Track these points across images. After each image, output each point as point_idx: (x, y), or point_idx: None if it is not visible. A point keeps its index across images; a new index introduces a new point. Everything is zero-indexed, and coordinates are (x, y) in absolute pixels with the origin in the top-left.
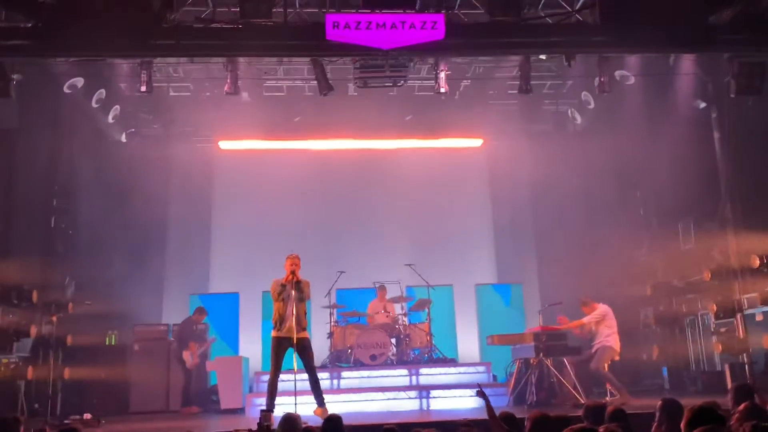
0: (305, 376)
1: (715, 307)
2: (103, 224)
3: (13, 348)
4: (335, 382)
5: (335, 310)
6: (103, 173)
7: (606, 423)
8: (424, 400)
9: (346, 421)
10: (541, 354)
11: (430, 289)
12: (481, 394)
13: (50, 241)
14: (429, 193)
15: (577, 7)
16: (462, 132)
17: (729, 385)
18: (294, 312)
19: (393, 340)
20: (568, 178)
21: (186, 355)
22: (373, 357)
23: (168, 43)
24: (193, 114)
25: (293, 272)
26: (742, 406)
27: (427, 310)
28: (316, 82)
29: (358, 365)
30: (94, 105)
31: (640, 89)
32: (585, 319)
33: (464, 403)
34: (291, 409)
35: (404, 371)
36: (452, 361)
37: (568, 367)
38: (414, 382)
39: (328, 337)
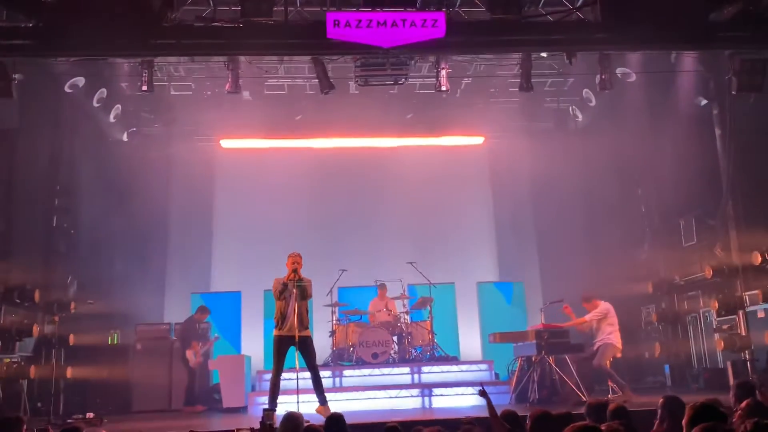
0: (307, 374)
1: (716, 305)
2: (105, 223)
3: (15, 347)
4: (337, 380)
5: (337, 309)
6: (105, 173)
7: (608, 420)
8: (426, 398)
9: (348, 420)
10: (543, 352)
11: (432, 287)
12: (482, 393)
13: (52, 240)
14: (430, 191)
15: (578, 5)
16: (463, 130)
17: (731, 383)
18: (296, 310)
19: (395, 339)
20: (569, 176)
21: (189, 354)
22: (375, 355)
23: (169, 43)
24: (194, 113)
25: (295, 271)
26: (744, 403)
27: (428, 308)
28: (317, 80)
29: (360, 363)
30: (95, 104)
31: (642, 86)
32: (587, 317)
33: (466, 401)
34: (293, 408)
35: (406, 369)
36: (454, 359)
37: (570, 364)
38: (416, 380)
39: (330, 336)
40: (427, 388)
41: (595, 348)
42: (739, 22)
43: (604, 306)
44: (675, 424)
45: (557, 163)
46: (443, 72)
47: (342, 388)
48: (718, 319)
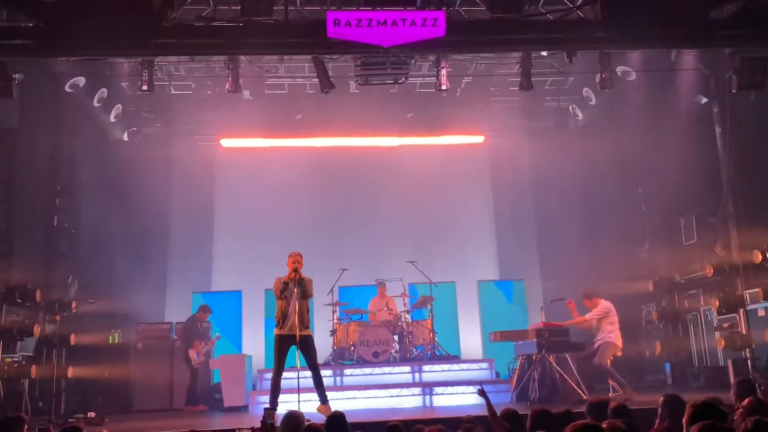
0: (308, 373)
1: (717, 303)
2: (106, 223)
3: (16, 347)
4: (338, 379)
5: (338, 308)
6: (105, 172)
7: (609, 419)
8: (427, 397)
9: (349, 419)
10: (544, 350)
11: (433, 286)
12: (481, 393)
13: (53, 240)
14: (431, 190)
15: (578, 4)
16: (463, 129)
17: (732, 381)
18: (297, 310)
19: (396, 338)
20: (569, 175)
21: (192, 354)
22: (375, 354)
23: (169, 42)
24: (194, 112)
25: (296, 270)
26: (746, 401)
27: (429, 306)
28: (317, 79)
29: (361, 362)
30: (95, 104)
31: (642, 85)
32: (587, 316)
33: (467, 399)
34: (294, 407)
35: (407, 368)
36: (455, 358)
37: (571, 363)
38: (417, 379)
39: (330, 335)
40: (427, 387)
41: (595, 347)
42: (740, 20)
43: (604, 305)
44: (675, 423)
45: (557, 161)
46: (443, 71)
47: (343, 387)
48: (718, 317)
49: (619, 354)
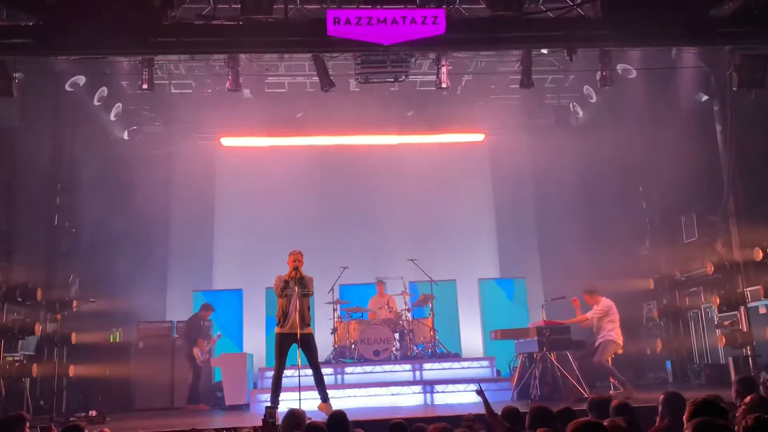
0: (309, 371)
1: (718, 300)
2: (106, 222)
3: (18, 346)
4: (339, 377)
5: (338, 306)
6: (106, 171)
7: (611, 417)
8: (428, 395)
9: (350, 417)
10: (545, 348)
11: (433, 284)
12: (479, 393)
13: (54, 239)
14: (431, 188)
15: (578, 2)
16: (464, 127)
17: (732, 378)
18: (297, 308)
19: (396, 336)
20: (570, 173)
21: (196, 352)
22: (376, 352)
23: (169, 41)
24: (194, 111)
25: (296, 268)
26: (748, 398)
27: (430, 305)
28: (317, 78)
29: (362, 361)
30: (96, 103)
31: (642, 83)
32: (588, 315)
33: (468, 397)
34: (295, 405)
35: (408, 366)
36: (456, 356)
37: (572, 361)
38: (417, 377)
39: (331, 333)
40: (428, 385)
41: (596, 345)
42: (740, 18)
43: (605, 303)
44: (676, 421)
45: (558, 159)
46: (443, 69)
47: (344, 386)
48: (719, 315)
49: (620, 352)
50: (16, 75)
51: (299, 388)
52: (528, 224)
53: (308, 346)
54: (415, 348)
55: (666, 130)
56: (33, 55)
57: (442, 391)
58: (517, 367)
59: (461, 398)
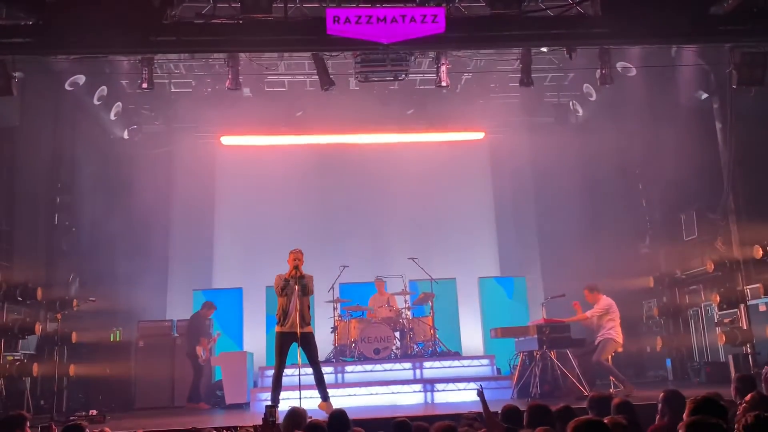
0: (309, 370)
1: (718, 298)
2: (106, 221)
3: (18, 345)
4: (339, 376)
5: (339, 305)
6: (106, 170)
7: (612, 415)
8: (428, 394)
9: (350, 415)
10: (545, 346)
11: (433, 283)
12: (480, 394)
13: (54, 238)
14: (431, 187)
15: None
16: (464, 125)
17: (732, 376)
18: (297, 307)
19: (396, 334)
20: (570, 171)
21: (199, 350)
22: (376, 351)
23: (168, 40)
24: (194, 110)
25: (296, 267)
26: (748, 396)
27: (430, 303)
28: (317, 76)
29: (362, 359)
30: (95, 102)
31: (642, 81)
32: (588, 313)
33: (468, 396)
34: (296, 404)
35: (408, 365)
36: (456, 355)
37: (572, 359)
38: (418, 375)
39: (331, 332)
40: (428, 384)
41: (596, 343)
42: (740, 16)
43: (605, 301)
44: (676, 419)
45: (558, 158)
46: (443, 67)
47: (344, 384)
48: (719, 312)
49: (620, 350)
50: (16, 74)
51: (299, 387)
52: (528, 222)
53: (308, 344)
54: (415, 346)
55: (666, 128)
56: (33, 54)
57: (443, 390)
58: (517, 366)
59: (461, 397)
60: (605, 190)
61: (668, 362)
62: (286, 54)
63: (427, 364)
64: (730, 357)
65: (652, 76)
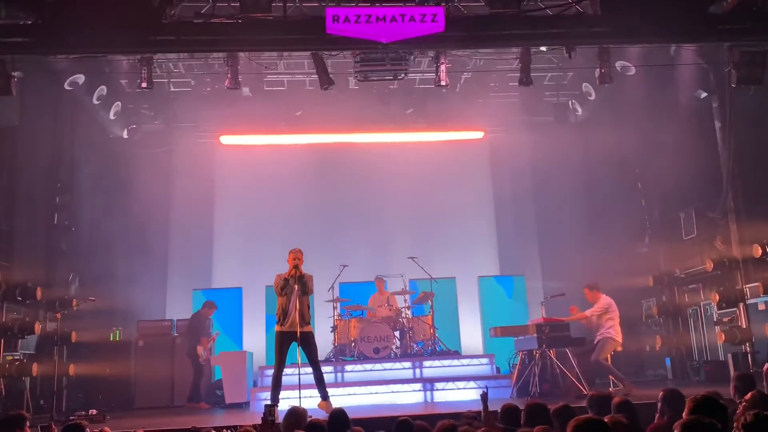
0: (309, 370)
1: (717, 297)
2: (106, 220)
3: (18, 345)
4: (339, 375)
5: (338, 304)
6: (105, 170)
7: (612, 414)
8: (428, 393)
9: (350, 414)
10: (544, 345)
11: (433, 282)
12: (483, 397)
13: (53, 238)
14: (431, 186)
15: None
16: (463, 124)
17: (732, 375)
18: (297, 306)
19: (396, 334)
20: (569, 170)
21: (200, 350)
22: (376, 350)
23: (168, 39)
24: (194, 109)
25: (296, 266)
26: (749, 395)
27: (430, 302)
28: (316, 76)
29: (362, 359)
30: (95, 101)
31: (641, 80)
32: (587, 312)
33: (468, 395)
34: (295, 403)
35: (408, 364)
36: (455, 354)
37: (571, 358)
38: (417, 374)
39: (331, 331)
40: (428, 383)
41: (595, 342)
42: (739, 15)
43: (604, 300)
44: (675, 417)
45: (557, 157)
46: (443, 67)
47: (344, 384)
48: (718, 311)
49: (619, 349)
50: (15, 74)
51: (299, 387)
52: (527, 221)
53: (308, 344)
54: (415, 346)
55: (665, 127)
56: (32, 53)
57: (442, 389)
58: (516, 365)
59: (461, 395)
60: (605, 189)
61: (667, 361)
62: (285, 53)
63: (426, 363)
64: (730, 356)
65: (651, 75)
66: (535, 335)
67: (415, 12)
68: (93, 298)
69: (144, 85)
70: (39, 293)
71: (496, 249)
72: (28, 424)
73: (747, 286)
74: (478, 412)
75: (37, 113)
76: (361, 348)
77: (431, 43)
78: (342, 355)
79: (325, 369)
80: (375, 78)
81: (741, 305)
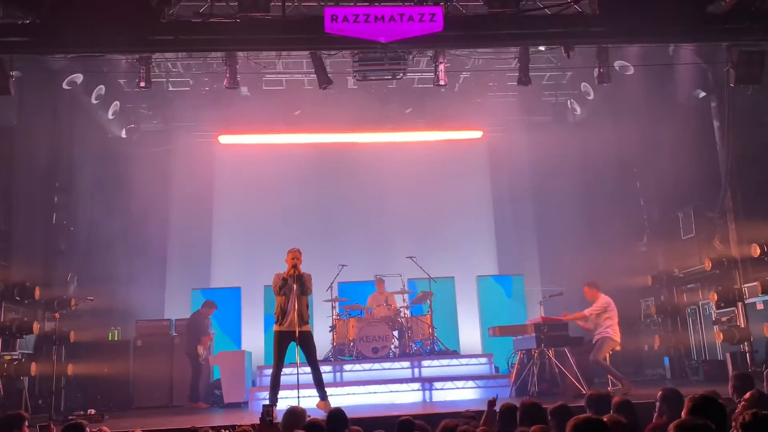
0: (308, 369)
1: (716, 297)
2: (105, 220)
3: (16, 345)
4: (338, 375)
5: (337, 304)
6: (104, 169)
7: (611, 413)
8: (427, 392)
9: (348, 414)
10: (543, 345)
11: (432, 282)
12: (491, 404)
13: (52, 237)
14: (429, 186)
15: None
16: (462, 124)
17: (730, 374)
18: (296, 306)
19: (395, 333)
20: (568, 169)
21: (200, 349)
22: (375, 350)
23: (166, 38)
24: (192, 109)
25: (295, 266)
26: (747, 394)
27: (428, 302)
28: (315, 75)
29: (361, 358)
30: (93, 101)
31: (640, 79)
32: (586, 311)
33: (466, 394)
34: (294, 403)
35: (406, 363)
36: (454, 353)
37: (570, 357)
38: (416, 374)
39: (330, 331)
40: (427, 382)
41: (593, 342)
42: (737, 14)
43: (603, 299)
44: (674, 417)
45: (556, 156)
46: (441, 66)
47: (342, 383)
48: (717, 311)
49: (618, 349)
50: (14, 73)
51: (298, 386)
52: (526, 221)
53: (307, 344)
54: (413, 345)
55: (663, 126)
56: (30, 53)
57: (441, 388)
58: (515, 364)
59: (460, 395)
60: (603, 188)
61: (666, 360)
62: (284, 53)
63: (425, 362)
64: (728, 355)
65: (649, 74)
66: (534, 335)
67: (414, 11)
68: (91, 298)
69: (142, 84)
70: (37, 293)
71: (494, 248)
72: (26, 423)
73: (745, 285)
74: (476, 412)
75: (36, 113)
76: (359, 348)
77: (430, 43)
78: (341, 354)
79: (324, 369)
80: (374, 77)
81: (739, 305)
